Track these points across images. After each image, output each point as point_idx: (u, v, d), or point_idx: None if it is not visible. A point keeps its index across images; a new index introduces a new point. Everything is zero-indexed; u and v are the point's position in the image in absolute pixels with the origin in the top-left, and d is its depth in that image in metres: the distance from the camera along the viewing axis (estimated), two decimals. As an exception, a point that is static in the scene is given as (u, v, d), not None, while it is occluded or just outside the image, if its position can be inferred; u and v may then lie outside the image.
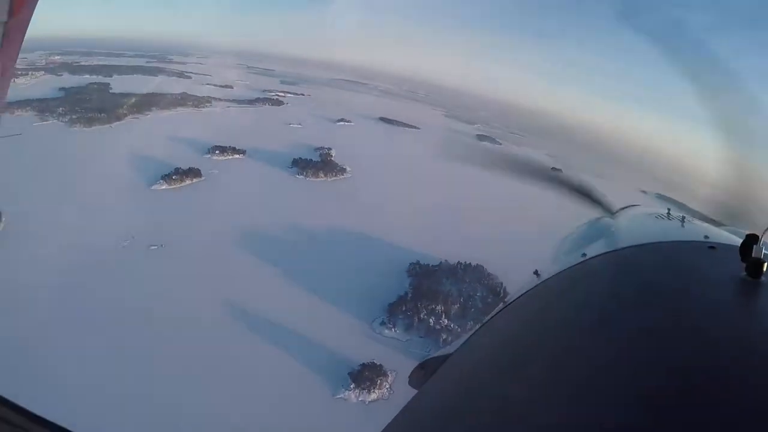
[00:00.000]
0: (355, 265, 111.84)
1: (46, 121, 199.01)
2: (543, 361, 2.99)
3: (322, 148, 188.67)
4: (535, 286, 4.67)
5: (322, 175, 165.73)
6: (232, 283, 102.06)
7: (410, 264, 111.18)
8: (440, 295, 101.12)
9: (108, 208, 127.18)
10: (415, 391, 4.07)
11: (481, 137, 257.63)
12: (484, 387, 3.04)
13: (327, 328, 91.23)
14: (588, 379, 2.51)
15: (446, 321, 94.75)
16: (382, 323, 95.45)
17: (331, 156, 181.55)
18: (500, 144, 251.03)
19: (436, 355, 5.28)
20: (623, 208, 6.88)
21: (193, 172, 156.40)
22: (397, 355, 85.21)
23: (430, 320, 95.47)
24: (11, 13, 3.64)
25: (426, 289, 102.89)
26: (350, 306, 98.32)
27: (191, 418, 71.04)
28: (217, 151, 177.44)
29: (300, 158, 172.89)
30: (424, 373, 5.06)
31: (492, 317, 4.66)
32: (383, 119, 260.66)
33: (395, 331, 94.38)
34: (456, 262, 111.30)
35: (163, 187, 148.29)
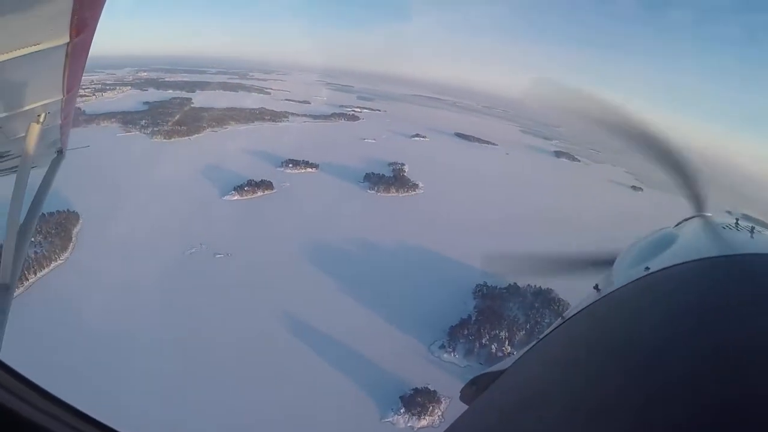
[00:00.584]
0: (420, 283, 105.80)
1: (130, 132, 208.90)
2: (604, 381, 2.80)
3: (395, 163, 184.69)
4: (596, 301, 4.40)
5: (394, 191, 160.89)
6: (293, 296, 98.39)
7: (477, 285, 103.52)
8: (505, 320, 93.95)
9: (180, 216, 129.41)
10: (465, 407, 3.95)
11: (558, 153, 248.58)
12: (540, 405, 2.90)
13: (384, 347, 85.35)
14: (653, 401, 2.31)
15: (509, 348, 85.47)
16: (442, 346, 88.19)
17: (404, 171, 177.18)
18: (578, 161, 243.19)
19: (488, 370, 4.81)
20: (687, 219, 6.40)
21: (265, 185, 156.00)
22: (454, 382, 76.21)
23: (492, 346, 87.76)
24: (73, 34, 3.78)
25: (491, 312, 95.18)
26: (410, 325, 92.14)
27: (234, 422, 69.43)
28: (290, 165, 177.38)
29: (372, 173, 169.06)
30: (475, 389, 4.78)
31: (550, 333, 4.37)
32: (459, 135, 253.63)
33: (454, 355, 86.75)
34: (525, 285, 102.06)
35: (235, 197, 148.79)
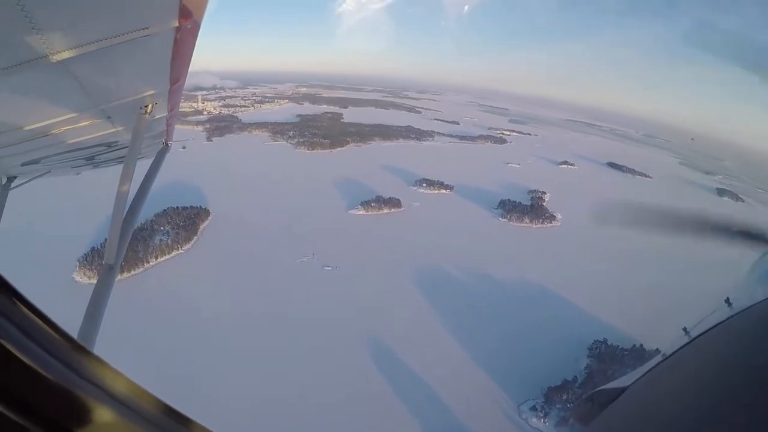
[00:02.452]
0: (532, 328, 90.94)
1: (277, 141, 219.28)
2: (737, 403, 2.76)
3: (535, 191, 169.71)
4: (722, 322, 4.22)
5: (527, 221, 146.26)
6: (387, 321, 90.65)
7: (595, 341, 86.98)
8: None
9: (303, 224, 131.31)
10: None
11: (721, 191, 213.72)
12: (672, 425, 2.87)
13: (468, 395, 73.03)
14: None
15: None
16: (533, 408, 72.63)
17: (544, 201, 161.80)
18: (743, 201, 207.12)
19: (606, 387, 4.76)
20: None
21: (393, 202, 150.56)
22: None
23: (591, 422, 69.14)
24: (181, 20, 3.96)
25: (602, 378, 75.33)
26: (505, 375, 78.06)
27: None
28: (424, 184, 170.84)
29: (508, 200, 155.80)
30: (591, 407, 4.54)
31: (678, 350, 4.33)
32: (611, 164, 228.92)
33: (544, 422, 70.90)
34: (654, 348, 79.59)
35: (360, 212, 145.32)
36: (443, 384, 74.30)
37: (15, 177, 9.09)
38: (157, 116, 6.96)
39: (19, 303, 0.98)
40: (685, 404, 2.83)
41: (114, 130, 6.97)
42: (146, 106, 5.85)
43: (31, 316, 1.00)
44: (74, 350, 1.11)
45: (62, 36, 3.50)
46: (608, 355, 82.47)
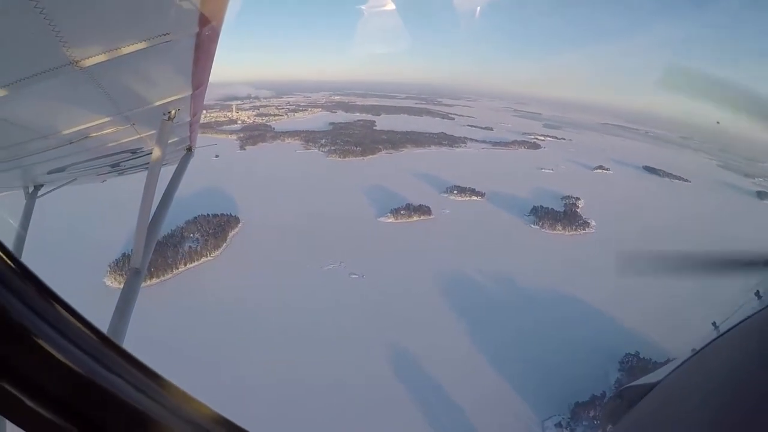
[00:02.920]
0: (561, 339, 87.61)
1: (309, 149, 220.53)
2: None
3: (569, 197, 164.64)
4: (752, 315, 4.08)
5: (560, 228, 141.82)
6: (412, 329, 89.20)
7: (626, 354, 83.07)
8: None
9: (332, 232, 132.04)
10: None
11: (762, 194, 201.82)
12: (706, 425, 2.86)
13: (491, 408, 70.46)
14: None
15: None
16: (558, 425, 69.60)
17: (577, 207, 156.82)
18: None
19: (637, 383, 4.60)
20: None
21: (423, 210, 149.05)
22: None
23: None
24: (202, 26, 4.02)
25: None
26: (531, 388, 75.21)
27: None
28: (455, 191, 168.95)
29: (540, 206, 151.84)
30: (621, 404, 4.49)
31: (706, 347, 4.22)
32: (648, 168, 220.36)
33: None
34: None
35: (390, 220, 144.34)
36: (465, 396, 72.42)
37: (42, 185, 9.45)
38: (180, 122, 7.07)
39: (55, 303, 1.02)
40: (718, 400, 2.81)
41: (138, 136, 7.02)
42: (169, 112, 6.01)
43: (67, 315, 1.04)
44: (107, 347, 1.14)
45: (85, 43, 3.53)
46: (639, 369, 77.26)
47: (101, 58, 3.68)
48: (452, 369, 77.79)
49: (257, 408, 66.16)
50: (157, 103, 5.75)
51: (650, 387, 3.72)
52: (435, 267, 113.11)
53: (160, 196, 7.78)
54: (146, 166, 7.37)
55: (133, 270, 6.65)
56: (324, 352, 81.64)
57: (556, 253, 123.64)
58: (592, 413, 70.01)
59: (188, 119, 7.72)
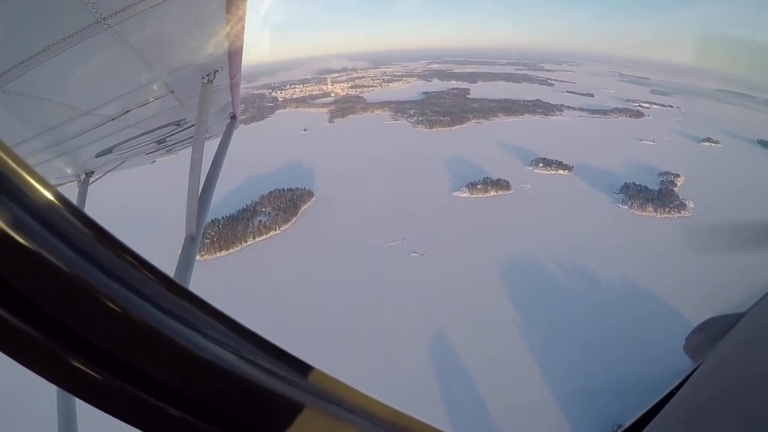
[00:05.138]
0: (622, 345, 76.62)
1: (397, 120, 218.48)
2: None
3: (667, 173, 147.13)
4: None
5: (651, 209, 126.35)
6: (459, 317, 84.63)
7: None
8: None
9: (403, 206, 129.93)
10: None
11: None
12: None
13: (523, 421, 63.79)
14: None
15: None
16: None
17: (675, 185, 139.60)
18: None
19: (720, 315, 3.93)
20: None
21: (502, 184, 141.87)
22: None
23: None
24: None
25: None
26: (575, 401, 66.25)
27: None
28: (540, 164, 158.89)
29: (633, 183, 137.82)
30: (704, 337, 3.79)
31: None
32: (763, 143, 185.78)
33: None
34: None
35: (464, 195, 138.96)
36: (498, 402, 66.64)
37: (92, 172, 9.40)
38: (221, 86, 7.21)
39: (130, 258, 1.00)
40: None
41: (179, 104, 6.94)
42: (208, 75, 5.95)
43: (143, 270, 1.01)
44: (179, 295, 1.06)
45: None
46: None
47: (129, 12, 3.49)
48: (490, 369, 72.19)
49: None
50: (194, 62, 5.68)
51: (737, 318, 3.29)
52: (502, 249, 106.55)
53: (209, 166, 7.91)
54: (191, 140, 7.29)
55: (188, 238, 6.79)
56: (336, 344, 77.84)
57: (639, 239, 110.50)
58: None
59: (228, 81, 7.76)
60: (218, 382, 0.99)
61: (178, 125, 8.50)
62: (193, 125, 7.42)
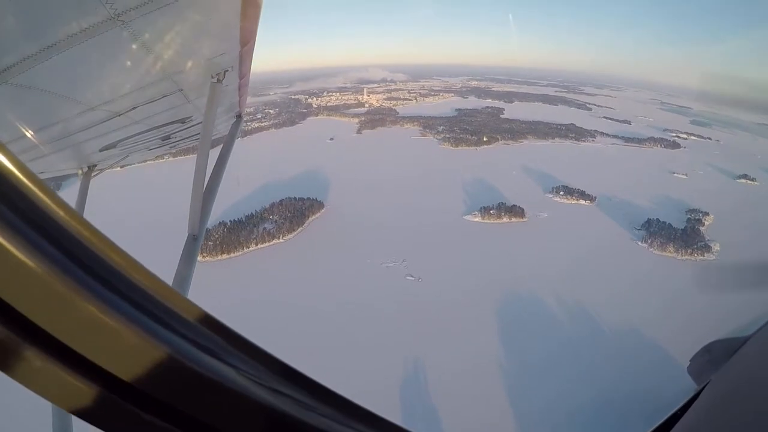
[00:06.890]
0: (627, 401, 67.01)
1: (425, 136, 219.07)
2: None
3: (695, 211, 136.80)
4: None
5: (672, 250, 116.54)
6: (438, 356, 78.85)
7: None
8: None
9: (410, 226, 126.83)
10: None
11: None
12: None
13: None
14: None
15: None
16: None
17: (702, 224, 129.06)
18: None
19: (725, 338, 4.11)
20: None
21: (516, 211, 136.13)
22: None
23: None
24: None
25: None
26: None
27: None
28: (561, 192, 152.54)
29: (656, 219, 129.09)
30: (708, 359, 4.00)
31: None
32: None
33: None
34: None
35: (476, 219, 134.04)
36: None
37: (95, 165, 9.28)
38: (229, 85, 7.20)
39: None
40: None
41: (187, 102, 6.93)
42: (218, 74, 5.94)
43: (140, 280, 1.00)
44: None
45: None
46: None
47: (144, 10, 3.51)
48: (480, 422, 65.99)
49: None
50: (204, 61, 5.70)
51: (741, 342, 3.40)
52: (501, 283, 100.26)
53: (213, 165, 7.80)
54: (197, 137, 7.61)
55: (190, 237, 6.78)
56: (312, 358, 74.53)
57: (656, 282, 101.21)
58: None
59: (237, 82, 7.78)
60: (209, 395, 0.98)
61: (183, 123, 8.49)
62: (199, 123, 7.91)
